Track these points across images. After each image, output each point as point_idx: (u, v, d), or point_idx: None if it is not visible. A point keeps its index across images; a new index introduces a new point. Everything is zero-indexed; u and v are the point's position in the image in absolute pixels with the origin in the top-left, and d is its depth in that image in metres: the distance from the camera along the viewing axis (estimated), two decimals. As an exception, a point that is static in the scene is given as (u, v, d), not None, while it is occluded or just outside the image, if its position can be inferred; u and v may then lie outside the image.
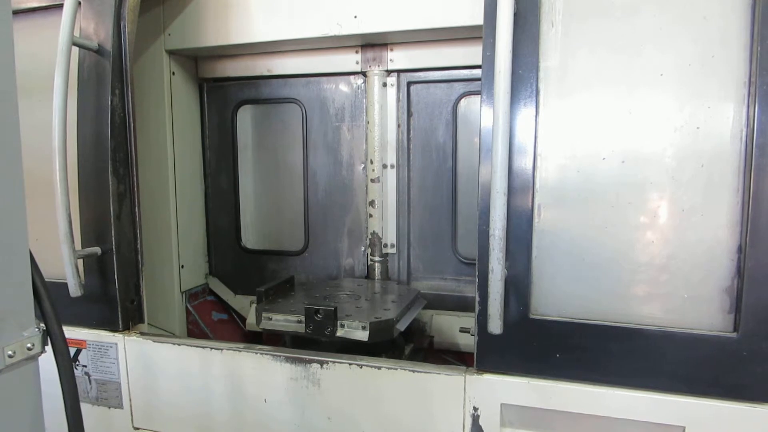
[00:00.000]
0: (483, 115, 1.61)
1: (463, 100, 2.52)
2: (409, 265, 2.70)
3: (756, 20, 1.42)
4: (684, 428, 1.53)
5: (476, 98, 2.47)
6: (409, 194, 2.64)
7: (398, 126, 2.58)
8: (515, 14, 1.50)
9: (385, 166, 2.60)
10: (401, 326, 2.07)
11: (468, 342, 2.45)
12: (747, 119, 1.45)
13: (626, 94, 1.54)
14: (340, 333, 1.96)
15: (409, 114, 2.58)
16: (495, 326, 1.55)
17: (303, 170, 2.78)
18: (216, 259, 2.96)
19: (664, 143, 1.52)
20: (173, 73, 2.60)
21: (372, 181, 2.61)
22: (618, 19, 1.54)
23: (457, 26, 2.09)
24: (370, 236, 2.65)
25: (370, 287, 2.55)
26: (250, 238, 2.94)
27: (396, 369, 1.77)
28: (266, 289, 2.25)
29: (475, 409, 1.69)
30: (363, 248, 2.71)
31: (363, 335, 1.94)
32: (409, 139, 2.60)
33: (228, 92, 2.83)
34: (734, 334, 1.48)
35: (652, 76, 1.52)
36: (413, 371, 1.75)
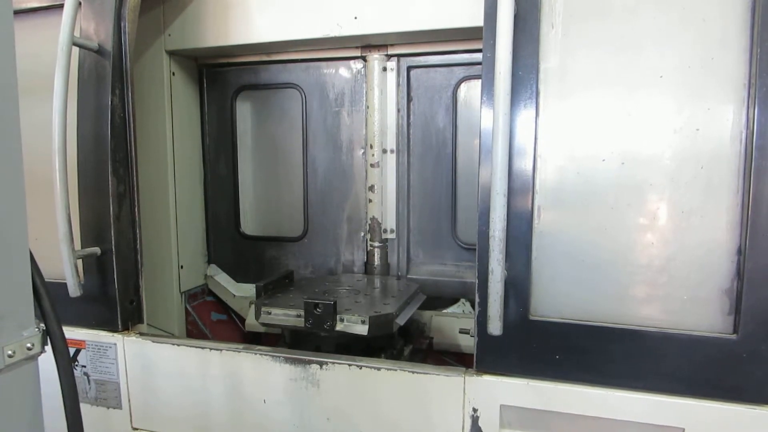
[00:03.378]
0: (483, 116, 1.61)
1: (463, 84, 2.52)
2: (409, 250, 2.69)
3: (756, 22, 1.42)
4: (683, 429, 1.53)
5: (476, 82, 2.48)
6: (409, 179, 2.64)
7: (398, 111, 2.58)
8: (515, 16, 1.50)
9: (384, 151, 2.60)
10: (401, 320, 2.06)
11: (468, 343, 2.45)
12: (746, 121, 1.45)
13: (626, 96, 1.55)
14: (339, 327, 1.94)
15: (409, 99, 2.58)
16: (495, 327, 1.55)
17: (303, 156, 2.79)
18: (215, 246, 2.96)
19: (663, 145, 1.52)
20: (173, 74, 2.60)
21: (372, 166, 2.61)
22: (618, 21, 1.54)
23: (457, 28, 2.10)
24: (369, 221, 2.66)
25: (369, 282, 2.55)
26: (249, 225, 2.95)
27: (395, 370, 1.77)
28: (265, 284, 2.25)
29: (475, 410, 1.69)
30: (362, 234, 2.71)
31: (363, 329, 1.93)
32: (409, 124, 2.60)
33: (228, 78, 2.83)
34: (734, 336, 1.48)
35: (652, 77, 1.52)
36: (413, 372, 1.75)
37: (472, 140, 2.50)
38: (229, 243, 2.94)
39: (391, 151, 2.61)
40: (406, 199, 2.65)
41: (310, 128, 2.76)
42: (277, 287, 2.36)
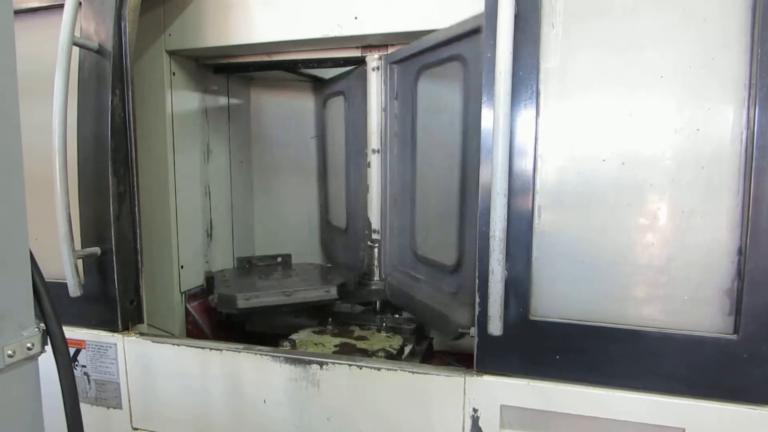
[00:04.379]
0: (483, 116, 1.61)
1: (422, 73, 2.32)
2: (388, 252, 2.60)
3: (756, 22, 1.42)
4: (684, 430, 1.53)
5: (436, 69, 2.27)
6: (390, 179, 2.57)
7: (383, 109, 2.52)
8: (516, 16, 1.50)
9: (374, 151, 2.57)
10: (242, 304, 2.40)
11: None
12: (747, 121, 1.45)
13: (626, 96, 1.55)
14: (210, 298, 2.57)
15: (395, 96, 2.49)
16: (495, 328, 1.55)
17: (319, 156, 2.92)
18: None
19: (664, 145, 1.52)
20: (173, 74, 2.60)
21: (368, 166, 2.61)
22: (618, 21, 1.54)
23: (458, 28, 2.09)
24: (364, 222, 2.67)
25: (306, 270, 2.91)
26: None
27: (395, 370, 1.77)
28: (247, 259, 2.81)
29: (475, 410, 1.69)
30: (366, 232, 2.72)
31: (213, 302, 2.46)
32: (395, 123, 2.52)
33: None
34: (734, 336, 1.48)
35: (653, 77, 1.52)
36: (413, 372, 1.75)
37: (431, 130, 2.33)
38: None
39: (378, 151, 2.56)
40: (387, 200, 2.58)
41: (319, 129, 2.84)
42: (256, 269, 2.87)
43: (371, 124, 2.56)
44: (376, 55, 2.50)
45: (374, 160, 2.58)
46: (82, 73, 2.00)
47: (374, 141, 2.57)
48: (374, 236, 2.63)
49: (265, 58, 2.63)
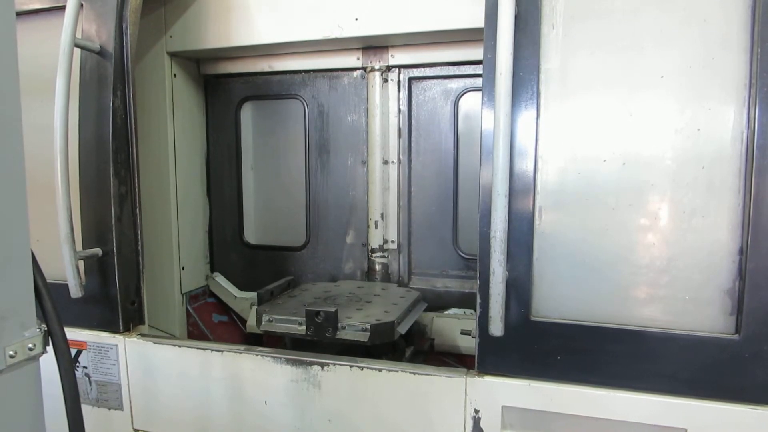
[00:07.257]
0: (484, 117, 1.61)
1: (464, 96, 2.53)
2: (410, 260, 2.68)
3: (756, 22, 1.42)
4: (686, 430, 1.53)
5: (477, 94, 2.47)
6: (410, 189, 2.64)
7: (399, 121, 2.59)
8: (516, 16, 1.50)
9: (386, 162, 2.61)
10: (402, 329, 2.06)
11: (469, 344, 2.45)
12: (748, 121, 1.45)
13: (627, 96, 1.55)
14: (340, 335, 1.94)
15: (410, 109, 2.58)
16: (496, 328, 1.55)
17: (305, 165, 2.80)
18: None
19: (665, 145, 1.52)
20: (174, 75, 2.61)
21: (373, 176, 2.61)
22: (619, 21, 1.54)
23: (458, 29, 2.10)
24: (370, 232, 2.66)
25: (370, 289, 2.55)
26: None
27: (397, 371, 1.77)
28: (266, 291, 2.26)
29: (476, 411, 1.69)
30: (363, 243, 2.72)
31: (363, 336, 1.93)
32: (410, 135, 2.60)
33: (231, 89, 2.86)
34: (736, 336, 1.48)
35: (653, 78, 1.52)
36: (414, 373, 1.75)
37: (474, 151, 2.49)
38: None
39: (392, 162, 2.62)
40: (407, 210, 2.65)
41: (311, 139, 2.78)
42: (277, 293, 2.37)
43: (386, 136, 2.59)
44: (377, 65, 2.52)
45: (391, 170, 2.62)
46: (83, 75, 2.00)
47: (391, 152, 2.61)
48: (387, 246, 2.66)
49: (267, 69, 2.64)
